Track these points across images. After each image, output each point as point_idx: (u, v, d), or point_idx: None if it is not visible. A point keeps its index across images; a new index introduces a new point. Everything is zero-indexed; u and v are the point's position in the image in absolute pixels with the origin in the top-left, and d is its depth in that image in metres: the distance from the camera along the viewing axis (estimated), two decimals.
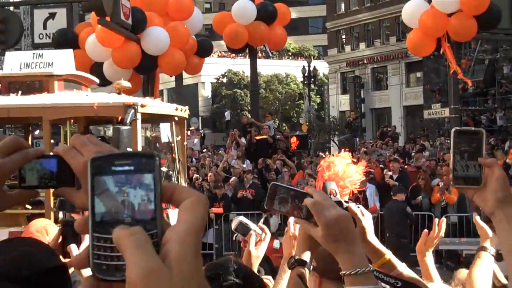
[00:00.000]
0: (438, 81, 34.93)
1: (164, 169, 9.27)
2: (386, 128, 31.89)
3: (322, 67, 50.17)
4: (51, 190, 1.30)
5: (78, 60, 10.17)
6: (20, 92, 8.43)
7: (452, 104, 22.60)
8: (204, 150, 22.44)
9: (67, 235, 2.94)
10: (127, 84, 9.53)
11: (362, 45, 48.83)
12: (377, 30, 47.52)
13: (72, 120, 9.77)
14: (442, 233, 3.38)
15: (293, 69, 51.99)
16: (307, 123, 38.59)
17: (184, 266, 0.87)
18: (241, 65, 44.89)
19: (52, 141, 9.10)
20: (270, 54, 27.86)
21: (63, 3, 19.55)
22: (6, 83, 8.71)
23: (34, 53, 9.17)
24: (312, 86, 44.10)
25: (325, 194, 1.88)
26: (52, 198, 7.50)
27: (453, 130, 1.90)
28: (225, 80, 53.66)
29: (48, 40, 19.23)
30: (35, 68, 8.89)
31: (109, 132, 10.69)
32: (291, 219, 2.88)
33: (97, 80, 10.44)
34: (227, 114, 47.80)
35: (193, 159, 20.28)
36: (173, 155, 9.70)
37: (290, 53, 59.00)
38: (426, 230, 3.40)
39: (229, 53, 39.17)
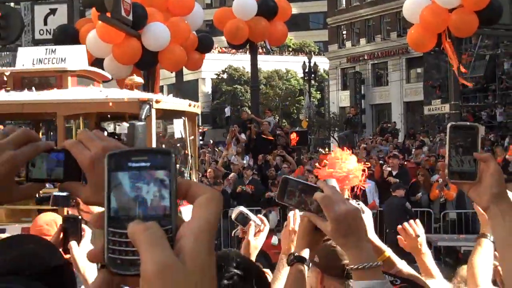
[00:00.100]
0: (438, 77, 34.87)
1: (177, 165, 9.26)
2: (386, 124, 31.85)
3: (322, 63, 50.12)
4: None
5: None
6: (33, 88, 8.43)
7: (453, 100, 22.61)
8: (204, 147, 22.45)
9: (68, 231, 2.95)
10: (139, 80, 9.55)
11: (363, 41, 48.77)
12: (377, 25, 47.45)
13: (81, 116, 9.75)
14: (418, 232, 3.32)
15: (293, 65, 51.96)
16: (307, 119, 38.57)
17: (198, 262, 0.88)
18: (241, 61, 44.89)
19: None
20: (270, 50, 27.86)
21: None
22: (19, 79, 8.69)
23: (47, 49, 9.14)
24: (313, 82, 44.06)
25: (335, 189, 1.88)
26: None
27: (449, 125, 1.90)
28: (225, 76, 53.63)
29: (48, 36, 19.23)
30: (47, 63, 8.87)
31: (118, 128, 10.66)
32: (291, 214, 2.90)
33: (109, 76, 10.42)
34: (227, 110, 47.77)
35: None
36: (186, 151, 9.69)
37: (290, 49, 58.94)
38: (399, 226, 3.33)
39: (230, 49, 39.12)
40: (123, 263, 0.92)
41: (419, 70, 43.59)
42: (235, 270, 2.22)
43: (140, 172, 0.93)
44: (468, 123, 1.94)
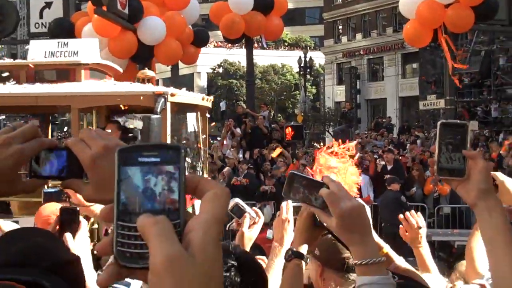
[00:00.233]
0: (434, 73, 34.85)
1: (188, 159, 9.21)
2: (381, 119, 31.89)
3: (318, 58, 50.06)
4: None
5: None
6: (46, 81, 8.42)
7: (448, 96, 22.65)
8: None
9: (65, 223, 2.95)
10: (151, 73, 9.53)
11: (359, 36, 48.72)
12: (373, 21, 47.40)
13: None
14: (420, 223, 3.35)
15: (289, 59, 51.85)
16: (303, 114, 38.57)
17: (206, 255, 0.90)
18: (237, 55, 44.81)
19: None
20: (265, 46, 27.82)
21: None
22: (32, 71, 8.66)
23: (59, 42, 9.06)
24: (308, 76, 44.01)
25: (341, 185, 1.90)
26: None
27: (439, 122, 1.93)
28: (221, 70, 53.52)
29: (44, 29, 19.19)
30: (60, 56, 8.82)
31: (127, 122, 10.63)
32: (283, 203, 2.93)
33: (121, 70, 10.40)
34: (223, 104, 47.70)
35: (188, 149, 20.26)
36: (199, 145, 9.68)
37: (286, 44, 58.86)
38: (401, 216, 3.36)
39: (226, 43, 39.07)
40: (132, 256, 0.94)
41: (414, 65, 43.55)
42: (233, 262, 2.23)
43: (150, 167, 0.95)
44: (458, 121, 1.97)
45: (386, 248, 2.58)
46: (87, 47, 9.16)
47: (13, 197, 7.66)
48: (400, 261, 2.59)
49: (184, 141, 10.55)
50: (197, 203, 7.61)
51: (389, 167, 15.89)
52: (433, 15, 18.32)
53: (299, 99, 46.27)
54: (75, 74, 8.63)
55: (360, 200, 2.35)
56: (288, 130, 21.16)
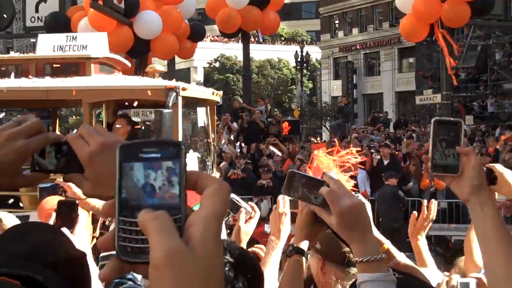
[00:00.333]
0: (430, 67, 34.92)
1: (198, 155, 9.16)
2: (378, 113, 31.90)
3: (314, 53, 50.08)
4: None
5: None
6: (56, 75, 8.38)
7: (444, 91, 22.66)
8: None
9: (62, 216, 2.94)
10: (160, 68, 9.49)
11: (355, 31, 48.72)
12: (370, 15, 47.39)
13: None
14: (433, 216, 3.38)
15: (285, 54, 51.86)
16: (299, 109, 38.58)
17: (206, 249, 0.91)
18: (233, 49, 44.79)
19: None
20: (261, 40, 27.80)
21: None
22: (41, 65, 8.63)
23: (67, 36, 9.03)
24: (305, 71, 44.06)
25: (341, 183, 1.91)
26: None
27: (433, 120, 1.96)
28: (217, 64, 53.49)
29: (40, 23, 19.14)
30: (68, 50, 8.78)
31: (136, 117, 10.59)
32: (280, 197, 2.96)
33: (129, 64, 10.36)
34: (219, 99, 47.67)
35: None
36: (208, 140, 9.67)
37: (283, 38, 58.85)
38: (414, 213, 3.40)
39: (222, 37, 39.03)
40: (133, 251, 0.94)
41: (411, 60, 43.61)
42: (228, 258, 2.23)
43: (151, 163, 0.96)
44: (451, 118, 2.01)
45: (387, 244, 2.58)
46: (96, 41, 9.12)
47: (24, 192, 7.70)
48: (400, 257, 2.59)
49: (194, 136, 10.48)
50: None
51: (385, 162, 15.91)
52: (430, 9, 18.31)
53: (296, 93, 46.30)
54: (85, 68, 8.60)
55: (361, 196, 2.35)
56: (285, 125, 21.18)
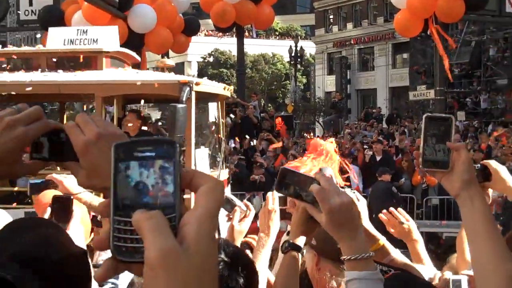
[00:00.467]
0: (424, 62, 34.95)
1: (207, 151, 9.14)
2: (371, 109, 31.92)
3: (309, 47, 49.99)
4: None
5: None
6: (67, 69, 8.33)
7: (438, 86, 22.68)
8: None
9: (57, 211, 2.92)
10: (170, 62, 9.43)
11: (350, 26, 48.64)
12: (364, 10, 47.32)
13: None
14: (407, 217, 3.35)
15: (280, 49, 51.78)
16: (293, 104, 38.55)
17: (200, 248, 0.91)
18: (228, 44, 44.69)
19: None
20: (254, 35, 27.75)
21: None
22: (52, 59, 8.56)
23: (78, 29, 8.97)
24: (299, 66, 43.99)
25: (332, 181, 1.92)
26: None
27: (424, 116, 1.98)
28: (211, 59, 53.39)
29: (34, 16, 19.07)
30: (79, 44, 8.72)
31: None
32: (269, 194, 2.97)
33: (139, 58, 10.30)
34: None
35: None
36: (219, 135, 9.62)
37: (277, 33, 58.75)
38: (384, 211, 3.35)
39: (216, 32, 38.97)
40: (128, 250, 0.94)
41: (405, 55, 43.60)
42: (223, 257, 2.24)
43: (146, 161, 0.96)
44: (443, 115, 2.02)
45: (382, 240, 2.59)
46: (106, 34, 9.04)
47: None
48: (396, 254, 2.60)
49: (205, 131, 10.39)
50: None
51: (378, 158, 15.93)
52: (424, 5, 18.32)
53: (290, 88, 46.24)
54: (97, 62, 8.54)
55: (357, 193, 2.35)
56: (278, 120, 21.17)
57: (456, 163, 1.89)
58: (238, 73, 25.91)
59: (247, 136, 18.24)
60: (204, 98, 9.08)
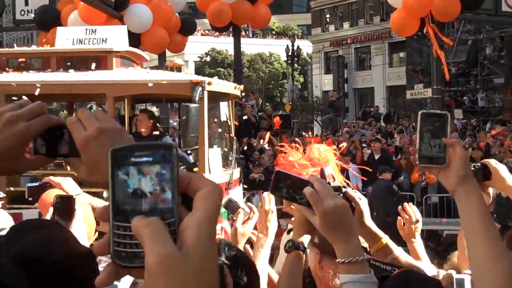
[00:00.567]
0: (421, 61, 35.00)
1: (219, 151, 9.08)
2: (368, 108, 31.97)
3: (305, 47, 50.06)
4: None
5: None
6: (77, 68, 8.32)
7: (435, 85, 22.70)
8: None
9: (58, 211, 2.90)
10: (180, 61, 9.41)
11: (346, 25, 48.73)
12: (361, 9, 47.42)
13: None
14: (416, 217, 3.36)
15: (276, 48, 51.86)
16: (290, 103, 38.58)
17: (200, 252, 0.91)
18: (224, 43, 44.71)
19: None
20: (250, 35, 27.78)
21: None
22: (62, 59, 8.53)
23: (87, 29, 8.96)
24: (296, 65, 44.08)
25: (325, 183, 1.93)
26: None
27: (420, 112, 1.98)
28: (208, 58, 53.45)
29: (30, 16, 19.05)
30: (88, 44, 8.70)
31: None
32: (265, 194, 2.99)
33: (148, 57, 10.27)
34: None
35: (176, 138, 20.20)
36: (230, 135, 9.60)
37: (274, 32, 58.82)
38: (400, 218, 3.40)
39: (213, 31, 38.95)
40: (128, 255, 0.94)
41: (402, 54, 43.72)
42: (223, 260, 2.22)
43: (143, 166, 0.95)
44: (439, 111, 2.03)
45: (385, 238, 2.57)
46: (115, 34, 9.03)
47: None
48: (399, 252, 2.59)
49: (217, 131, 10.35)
50: (232, 193, 7.53)
51: (376, 157, 15.92)
52: (420, 3, 18.32)
53: (287, 88, 46.28)
54: (107, 61, 8.51)
55: (358, 192, 2.33)
56: (276, 119, 21.19)
57: (452, 158, 1.90)
58: (235, 72, 25.89)
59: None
60: (215, 98, 9.08)
